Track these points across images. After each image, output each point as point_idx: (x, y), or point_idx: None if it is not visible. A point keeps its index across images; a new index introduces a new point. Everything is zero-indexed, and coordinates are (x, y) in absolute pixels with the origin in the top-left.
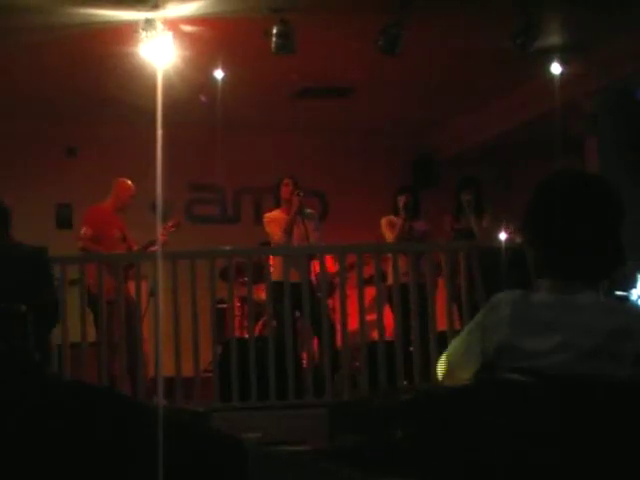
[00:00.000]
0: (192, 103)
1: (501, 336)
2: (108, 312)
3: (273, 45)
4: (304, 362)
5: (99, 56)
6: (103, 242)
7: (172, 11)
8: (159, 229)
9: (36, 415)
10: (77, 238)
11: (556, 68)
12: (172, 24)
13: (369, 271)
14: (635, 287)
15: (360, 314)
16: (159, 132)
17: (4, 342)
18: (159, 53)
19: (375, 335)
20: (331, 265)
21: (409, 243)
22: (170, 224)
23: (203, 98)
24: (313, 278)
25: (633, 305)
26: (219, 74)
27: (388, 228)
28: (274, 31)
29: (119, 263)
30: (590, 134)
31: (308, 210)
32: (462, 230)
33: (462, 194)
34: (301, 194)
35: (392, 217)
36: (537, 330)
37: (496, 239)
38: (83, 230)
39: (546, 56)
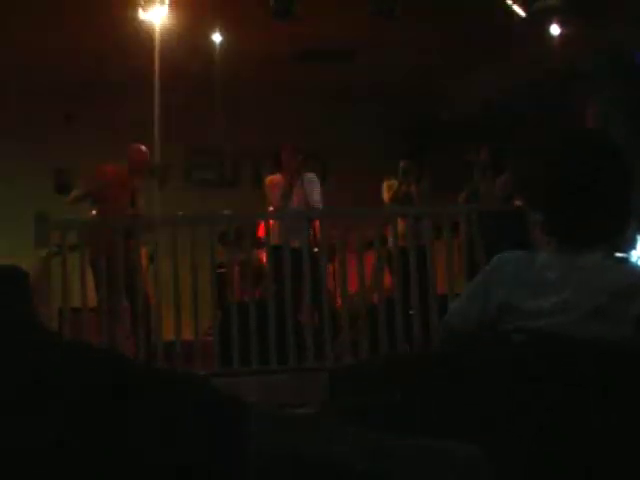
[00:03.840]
0: (190, 67)
1: (502, 296)
2: (108, 274)
3: (272, 9)
4: (304, 326)
5: (98, 21)
6: (107, 203)
7: None
8: None
9: (36, 374)
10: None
11: (555, 29)
12: None
13: (370, 235)
14: (635, 249)
15: (359, 278)
16: (156, 97)
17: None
18: (157, 17)
19: (375, 299)
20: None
21: (408, 206)
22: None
23: None
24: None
25: (634, 266)
26: (217, 38)
27: (387, 191)
28: None
29: (117, 227)
30: (589, 95)
31: (308, 174)
32: (470, 192)
33: (470, 155)
34: (300, 158)
35: (392, 181)
36: (539, 290)
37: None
38: (80, 189)
39: (546, 16)
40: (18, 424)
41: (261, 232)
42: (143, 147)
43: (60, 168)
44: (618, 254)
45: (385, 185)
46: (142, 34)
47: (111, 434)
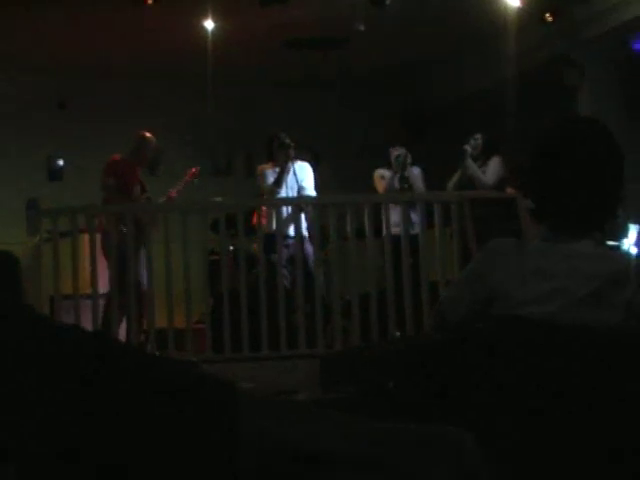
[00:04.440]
0: (181, 55)
1: (494, 284)
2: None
3: None
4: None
5: (91, 8)
6: (125, 194)
7: None
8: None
9: (28, 356)
10: (101, 189)
11: (548, 17)
12: None
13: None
14: (626, 237)
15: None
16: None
17: None
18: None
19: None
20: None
21: (400, 193)
22: (188, 176)
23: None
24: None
25: (625, 253)
26: (209, 24)
27: (379, 181)
28: None
29: (113, 214)
30: (581, 84)
31: (301, 162)
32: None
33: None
34: (292, 146)
35: (383, 170)
36: (531, 277)
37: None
38: (106, 180)
39: (539, 5)
40: (7, 407)
41: (255, 220)
42: (151, 136)
43: (52, 155)
44: (609, 242)
45: (376, 175)
46: (134, 22)
47: (99, 418)
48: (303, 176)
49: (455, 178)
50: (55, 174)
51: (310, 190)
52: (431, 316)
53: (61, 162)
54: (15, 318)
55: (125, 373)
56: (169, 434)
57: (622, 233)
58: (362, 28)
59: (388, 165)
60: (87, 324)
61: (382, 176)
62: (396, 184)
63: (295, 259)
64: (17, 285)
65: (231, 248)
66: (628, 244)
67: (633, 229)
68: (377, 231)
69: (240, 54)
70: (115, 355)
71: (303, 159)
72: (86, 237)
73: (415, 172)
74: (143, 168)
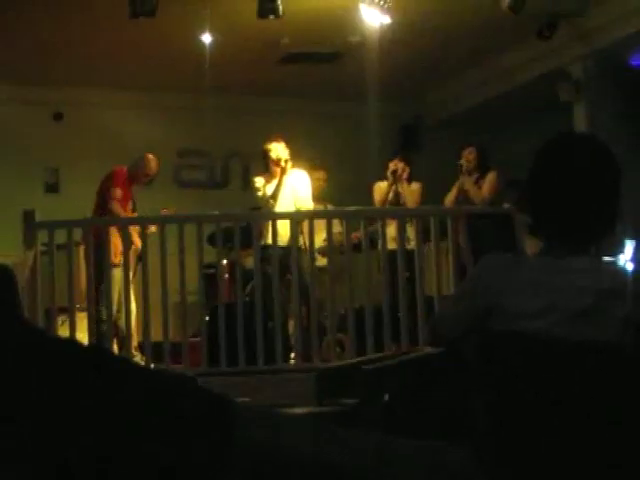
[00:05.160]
0: (179, 67)
1: (490, 298)
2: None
3: (257, 8)
4: (291, 327)
5: (87, 18)
6: (124, 207)
7: None
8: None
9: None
10: (109, 199)
11: (544, 33)
12: None
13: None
14: (622, 252)
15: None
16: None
17: None
18: (147, 16)
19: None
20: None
21: (396, 207)
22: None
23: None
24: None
25: (621, 268)
26: (207, 38)
27: (377, 193)
28: None
29: (106, 228)
30: (577, 100)
31: (298, 173)
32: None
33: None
34: (288, 159)
35: (382, 183)
36: (526, 292)
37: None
38: (114, 191)
39: (535, 21)
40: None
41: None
42: (156, 160)
43: (49, 167)
44: (606, 257)
45: (376, 187)
46: (132, 33)
47: (92, 433)
48: (299, 186)
49: (452, 193)
50: (51, 186)
51: (306, 200)
52: (427, 330)
53: (57, 174)
54: (9, 333)
55: (121, 386)
56: (163, 448)
57: (618, 248)
58: (358, 41)
59: (387, 177)
60: (82, 336)
61: (379, 188)
62: (390, 198)
63: (291, 272)
64: (13, 299)
65: (224, 262)
66: (624, 259)
67: (629, 244)
68: (372, 243)
69: (237, 66)
70: (111, 369)
71: (300, 169)
72: (82, 250)
73: (413, 187)
74: (137, 185)
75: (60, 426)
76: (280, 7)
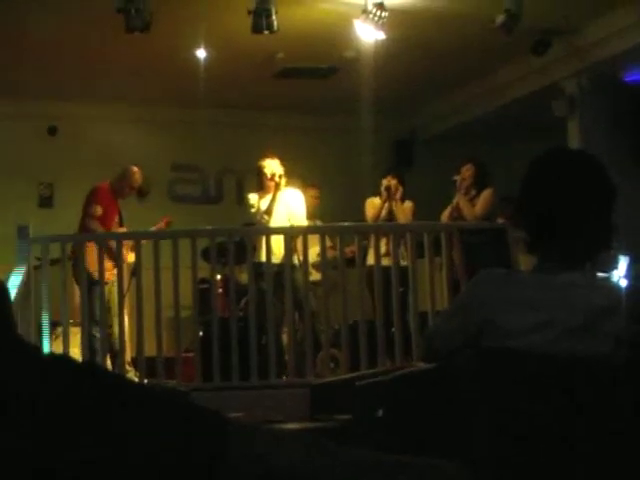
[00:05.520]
0: (174, 82)
1: (484, 314)
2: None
3: (252, 23)
4: (285, 342)
5: (82, 33)
6: (107, 224)
7: None
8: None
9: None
10: (85, 216)
11: (538, 49)
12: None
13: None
14: (616, 269)
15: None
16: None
17: None
18: (141, 31)
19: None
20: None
21: (390, 223)
22: (163, 223)
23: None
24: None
25: (614, 285)
26: (202, 53)
27: (369, 210)
28: (254, 9)
29: (101, 243)
30: (571, 116)
31: (291, 190)
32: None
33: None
34: (282, 175)
35: (375, 199)
36: (520, 309)
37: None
38: (94, 209)
39: (529, 37)
40: None
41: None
42: (138, 171)
43: (43, 182)
44: (600, 273)
45: (368, 201)
46: (126, 49)
47: (87, 448)
48: (293, 204)
49: (448, 210)
50: (45, 201)
51: (302, 218)
52: (420, 346)
53: (52, 188)
54: (2, 349)
55: (113, 402)
56: (155, 464)
57: (612, 265)
58: (353, 56)
59: (380, 194)
60: (75, 350)
61: (372, 204)
62: (383, 215)
63: (285, 288)
64: (6, 314)
65: (218, 277)
66: (618, 276)
67: (623, 260)
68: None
69: (232, 81)
70: (103, 384)
71: (293, 186)
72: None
73: (406, 206)
74: (122, 199)
75: (52, 441)
76: (275, 22)
